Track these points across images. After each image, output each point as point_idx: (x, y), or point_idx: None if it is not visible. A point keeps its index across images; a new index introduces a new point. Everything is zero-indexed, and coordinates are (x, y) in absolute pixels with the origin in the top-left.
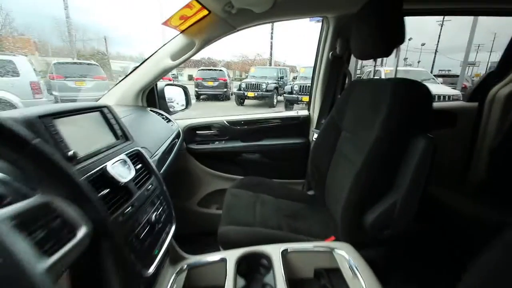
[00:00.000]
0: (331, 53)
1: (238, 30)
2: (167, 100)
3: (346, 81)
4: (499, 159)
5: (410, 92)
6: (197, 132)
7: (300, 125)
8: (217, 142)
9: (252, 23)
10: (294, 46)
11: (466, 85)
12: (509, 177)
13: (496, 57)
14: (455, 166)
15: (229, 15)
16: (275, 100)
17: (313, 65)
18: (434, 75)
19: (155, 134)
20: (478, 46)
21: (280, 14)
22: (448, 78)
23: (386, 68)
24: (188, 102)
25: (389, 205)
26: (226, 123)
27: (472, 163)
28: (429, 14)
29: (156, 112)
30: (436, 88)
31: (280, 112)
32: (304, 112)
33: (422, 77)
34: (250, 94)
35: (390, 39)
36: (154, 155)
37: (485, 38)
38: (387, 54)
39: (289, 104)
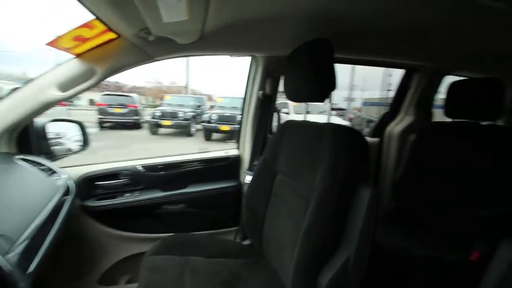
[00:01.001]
0: (261, 92)
1: (156, 60)
2: (56, 138)
3: (274, 120)
4: (401, 190)
5: (351, 139)
6: (98, 183)
7: (230, 167)
8: (128, 194)
9: (174, 54)
10: (209, 75)
11: (352, 117)
12: (411, 207)
13: (366, 95)
14: None
15: (145, 42)
16: (193, 129)
17: (230, 95)
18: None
19: (22, 201)
20: (353, 86)
21: (207, 48)
22: (339, 111)
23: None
24: (85, 142)
25: (343, 262)
26: (140, 168)
27: (379, 192)
28: (354, 63)
29: (31, 162)
30: (332, 120)
31: (206, 152)
32: (234, 152)
33: (320, 110)
34: (166, 122)
35: (324, 85)
36: (16, 245)
37: (357, 80)
38: (322, 99)
39: (208, 133)
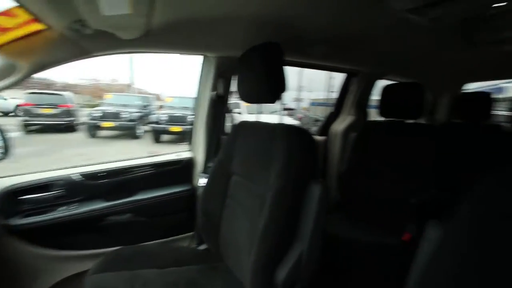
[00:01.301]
0: (215, 93)
1: (93, 56)
2: None
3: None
4: (345, 184)
5: (302, 138)
6: (24, 197)
7: (182, 170)
8: (63, 208)
9: (114, 50)
10: (157, 73)
11: (300, 117)
12: (354, 198)
13: (313, 95)
14: None
15: (81, 36)
16: (140, 131)
17: (180, 95)
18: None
19: None
20: (301, 87)
21: (153, 45)
22: (289, 110)
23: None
24: (6, 149)
25: (297, 257)
26: (77, 177)
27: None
28: (302, 66)
29: None
30: (283, 120)
31: (156, 155)
32: (186, 154)
33: (272, 110)
34: (108, 124)
35: (276, 87)
36: None
37: (305, 81)
38: (273, 100)
39: (157, 134)
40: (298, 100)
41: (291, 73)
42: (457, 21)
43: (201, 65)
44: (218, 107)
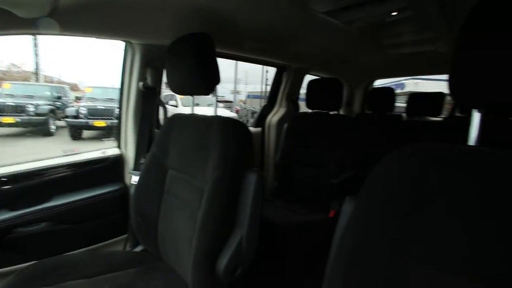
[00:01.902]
0: (142, 83)
1: None
2: None
3: (160, 114)
4: (280, 171)
5: (238, 130)
6: None
7: (110, 168)
8: None
9: (11, 30)
10: (73, 59)
11: (238, 109)
12: (288, 184)
13: (249, 88)
14: None
15: None
16: (53, 127)
17: (102, 84)
18: (218, 101)
19: None
20: (238, 80)
21: (62, 27)
22: (226, 103)
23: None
24: None
25: (237, 243)
26: None
27: (264, 175)
28: (235, 59)
29: None
30: (220, 112)
31: (75, 154)
32: (114, 151)
33: (208, 102)
34: (7, 120)
35: (209, 78)
36: None
37: (241, 74)
38: (207, 92)
39: (76, 130)
40: (235, 92)
41: (227, 65)
42: (366, 26)
43: (124, 52)
44: (148, 99)
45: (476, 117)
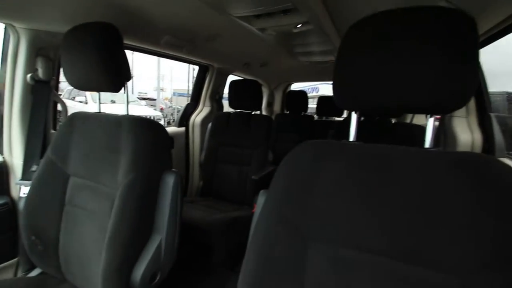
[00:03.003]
0: (30, 76)
1: None
2: None
3: (60, 113)
4: (205, 170)
5: (151, 131)
6: None
7: None
8: None
9: None
10: None
11: (163, 107)
12: (213, 182)
13: (175, 85)
14: None
15: None
16: None
17: None
18: (138, 98)
19: None
20: (163, 76)
21: None
22: (149, 100)
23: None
24: None
25: (155, 248)
26: None
27: (189, 175)
28: (152, 54)
29: None
30: (142, 110)
31: None
32: None
33: (129, 100)
34: None
35: (117, 74)
36: None
37: (165, 70)
38: (116, 89)
39: None
40: (159, 89)
41: (149, 61)
42: (278, 34)
43: (4, 37)
44: (40, 95)
45: (353, 118)
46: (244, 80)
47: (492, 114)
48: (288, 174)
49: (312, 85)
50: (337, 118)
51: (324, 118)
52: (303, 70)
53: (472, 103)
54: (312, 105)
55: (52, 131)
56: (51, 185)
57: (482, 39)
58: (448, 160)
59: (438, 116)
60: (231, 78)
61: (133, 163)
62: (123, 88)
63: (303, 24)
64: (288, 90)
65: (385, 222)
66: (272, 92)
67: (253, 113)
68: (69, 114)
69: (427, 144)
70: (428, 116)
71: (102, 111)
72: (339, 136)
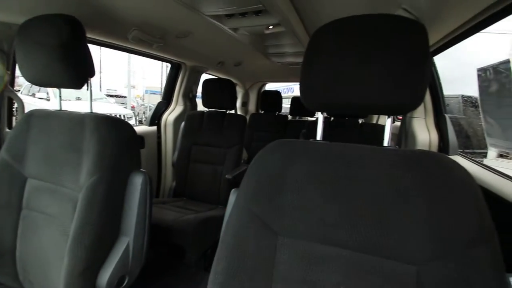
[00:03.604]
0: None
1: None
2: None
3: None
4: (178, 170)
5: (116, 130)
6: None
7: None
8: None
9: None
10: None
11: (134, 105)
12: (188, 182)
13: (148, 82)
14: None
15: None
16: None
17: None
18: (108, 95)
19: None
20: (134, 73)
21: None
22: (119, 98)
23: None
24: None
25: (123, 251)
26: None
27: (161, 175)
28: (120, 49)
29: None
30: (111, 108)
31: None
32: None
33: (95, 97)
34: None
35: (79, 69)
36: None
37: (137, 66)
38: (78, 85)
39: None
40: (129, 86)
41: (120, 57)
42: (251, 34)
43: None
44: None
45: (320, 118)
46: (218, 79)
47: (446, 115)
48: (258, 172)
49: (287, 86)
50: (309, 118)
51: (297, 118)
52: (277, 71)
53: (429, 105)
54: (287, 105)
55: (7, 129)
56: (6, 188)
57: (436, 47)
58: (403, 157)
59: (400, 117)
60: (205, 76)
61: (97, 164)
62: (86, 85)
63: (274, 26)
64: (263, 90)
65: (349, 217)
66: (247, 92)
67: (227, 112)
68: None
69: (386, 142)
70: (386, 116)
71: (67, 109)
72: (310, 135)
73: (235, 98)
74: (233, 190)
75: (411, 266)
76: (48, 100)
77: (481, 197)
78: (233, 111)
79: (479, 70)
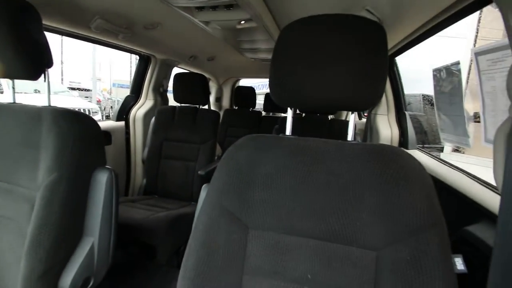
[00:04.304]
0: None
1: None
2: None
3: None
4: (148, 167)
5: (78, 124)
6: None
7: None
8: None
9: None
10: None
11: (99, 100)
12: (159, 179)
13: (115, 75)
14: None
15: None
16: None
17: None
18: (70, 88)
19: None
20: (99, 65)
21: None
22: (83, 91)
23: None
24: None
25: (87, 252)
26: None
27: (130, 173)
28: (79, 38)
29: None
30: (74, 102)
31: None
32: None
33: (56, 90)
34: None
35: (35, 59)
36: None
37: (103, 58)
38: (33, 76)
39: None
40: (95, 79)
41: (84, 47)
42: (223, 29)
43: None
44: None
45: (289, 113)
46: (190, 73)
47: (406, 112)
48: (229, 167)
49: (262, 82)
50: (283, 114)
51: (271, 114)
52: (250, 67)
53: (391, 103)
54: (262, 101)
55: None
56: None
57: (398, 47)
58: (364, 151)
59: (365, 114)
60: (176, 70)
61: (56, 161)
62: (44, 76)
63: (246, 21)
64: (237, 85)
65: (314, 207)
66: (220, 87)
67: (200, 107)
68: None
69: (350, 137)
70: (350, 112)
71: (23, 102)
72: (283, 131)
73: (208, 93)
74: (204, 185)
75: (371, 251)
76: (1, 92)
77: (431, 185)
78: (206, 107)
79: (434, 70)
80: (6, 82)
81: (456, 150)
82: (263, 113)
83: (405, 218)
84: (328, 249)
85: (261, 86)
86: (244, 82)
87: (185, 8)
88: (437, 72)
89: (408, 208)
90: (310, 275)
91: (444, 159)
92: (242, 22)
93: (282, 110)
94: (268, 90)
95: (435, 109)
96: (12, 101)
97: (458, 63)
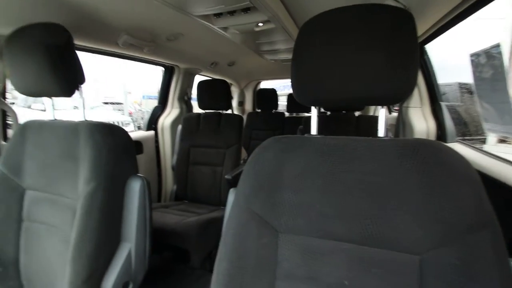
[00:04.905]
0: None
1: None
2: None
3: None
4: (178, 173)
5: (111, 136)
6: None
7: None
8: None
9: None
10: None
11: (131, 111)
12: (189, 184)
13: (145, 88)
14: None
15: None
16: None
17: None
18: (104, 103)
19: None
20: (131, 79)
21: None
22: (116, 105)
23: None
24: None
25: (125, 258)
26: None
27: (162, 180)
28: (107, 54)
29: None
30: (109, 115)
31: None
32: None
33: (92, 105)
34: None
35: (69, 77)
36: None
37: (134, 72)
38: (68, 93)
39: None
40: (126, 92)
41: (116, 64)
42: (241, 33)
43: None
44: None
45: (314, 112)
46: (212, 80)
47: (442, 103)
48: (255, 170)
49: (284, 83)
50: (306, 114)
51: (294, 115)
52: (271, 68)
53: (425, 94)
54: (285, 102)
55: (3, 142)
56: (4, 201)
57: (427, 35)
58: (397, 147)
59: (396, 108)
60: (199, 78)
61: (92, 172)
62: (79, 92)
63: (264, 22)
64: (258, 88)
65: (347, 209)
66: (242, 91)
67: (223, 113)
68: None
69: (380, 133)
70: (379, 107)
71: (63, 118)
72: (307, 131)
73: (231, 98)
74: (231, 189)
75: (413, 256)
76: (44, 110)
77: (479, 182)
78: (229, 111)
79: (471, 55)
80: (46, 101)
81: (502, 140)
82: (287, 114)
83: (451, 219)
84: (365, 254)
85: (282, 87)
86: (265, 84)
87: (204, 16)
88: (475, 57)
89: (454, 207)
90: (347, 281)
91: (490, 151)
92: (260, 24)
93: (306, 109)
94: (290, 91)
95: (475, 97)
96: (52, 118)
97: (498, 45)
